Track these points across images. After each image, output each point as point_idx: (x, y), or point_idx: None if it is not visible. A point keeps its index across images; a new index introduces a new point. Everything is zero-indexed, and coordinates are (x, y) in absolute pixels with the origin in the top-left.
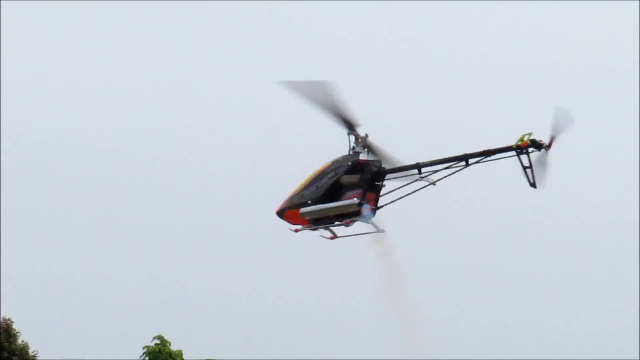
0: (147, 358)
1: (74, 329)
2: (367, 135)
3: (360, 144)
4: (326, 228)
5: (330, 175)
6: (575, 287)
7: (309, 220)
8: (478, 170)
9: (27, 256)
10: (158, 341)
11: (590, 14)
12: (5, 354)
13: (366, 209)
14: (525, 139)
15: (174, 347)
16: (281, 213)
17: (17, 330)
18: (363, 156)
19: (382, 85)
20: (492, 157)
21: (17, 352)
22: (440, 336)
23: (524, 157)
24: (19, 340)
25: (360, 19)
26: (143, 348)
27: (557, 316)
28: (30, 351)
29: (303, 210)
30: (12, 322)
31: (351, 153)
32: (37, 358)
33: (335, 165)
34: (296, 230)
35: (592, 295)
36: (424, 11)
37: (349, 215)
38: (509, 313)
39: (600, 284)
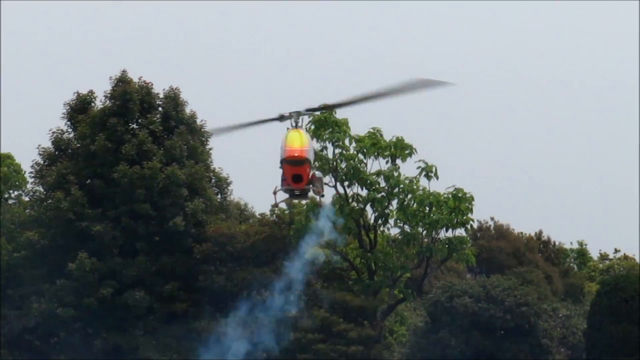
0: (312, 126)
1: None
2: None
3: None
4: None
5: None
6: None
7: None
8: None
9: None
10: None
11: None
12: (173, 123)
13: None
14: None
15: (339, 116)
16: None
17: (184, 100)
18: None
19: None
20: None
21: (185, 121)
22: None
23: None
24: (187, 110)
25: None
26: (309, 117)
27: None
28: (197, 121)
29: None
30: (179, 91)
31: None
32: (205, 128)
33: None
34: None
35: None
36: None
37: None
38: None
39: None
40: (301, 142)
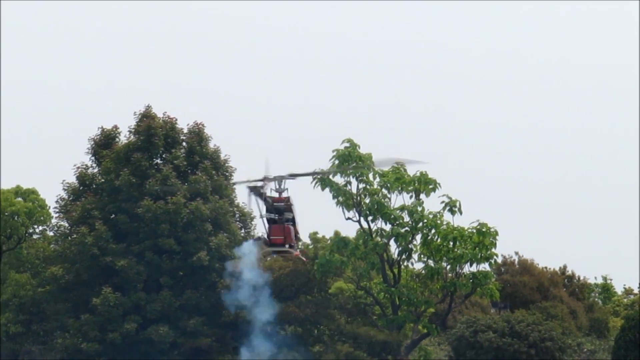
0: (336, 161)
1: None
2: None
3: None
4: None
5: None
6: None
7: None
8: None
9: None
10: (348, 144)
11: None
12: (197, 158)
13: None
14: None
15: (362, 151)
16: None
17: (208, 135)
18: None
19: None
20: None
21: (209, 156)
22: None
23: None
24: (211, 145)
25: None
26: (333, 151)
27: None
28: (221, 156)
29: None
30: (204, 126)
31: None
32: (228, 163)
33: None
34: None
35: None
36: None
37: None
38: None
39: None
40: None
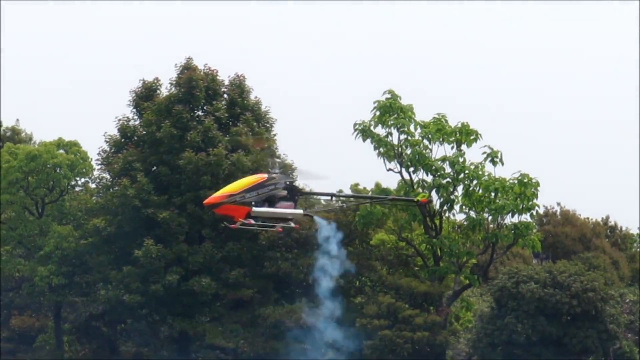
0: (377, 112)
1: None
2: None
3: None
4: (266, 226)
5: (270, 187)
6: None
7: (253, 215)
8: None
9: None
10: (389, 95)
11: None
12: (238, 110)
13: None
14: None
15: (404, 102)
16: (214, 205)
17: (249, 87)
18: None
19: None
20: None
21: (250, 108)
22: None
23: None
24: (252, 97)
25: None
26: (374, 102)
27: None
28: (262, 107)
29: (256, 209)
30: (244, 78)
31: (281, 174)
32: (269, 114)
33: (273, 180)
34: (233, 227)
35: None
36: None
37: (287, 219)
38: None
39: None
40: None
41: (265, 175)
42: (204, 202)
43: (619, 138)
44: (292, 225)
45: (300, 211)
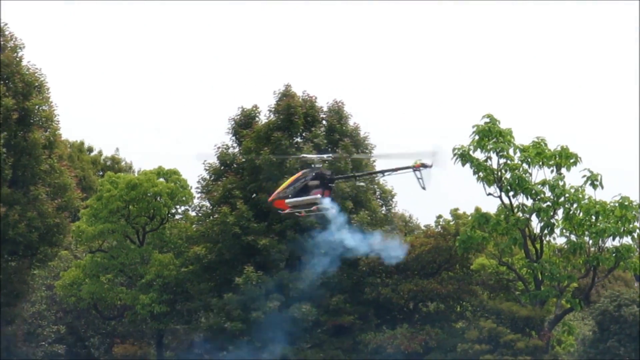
0: (476, 137)
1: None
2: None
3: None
4: (300, 211)
5: (301, 180)
6: None
7: (290, 206)
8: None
9: None
10: (488, 120)
11: None
12: (337, 136)
13: (323, 200)
14: (417, 162)
15: (503, 126)
16: (272, 201)
17: (348, 113)
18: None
19: None
20: (398, 171)
21: (349, 134)
22: None
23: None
24: (351, 122)
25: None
26: (473, 127)
27: None
28: (361, 133)
29: (288, 200)
30: (343, 104)
31: (314, 167)
32: (368, 140)
33: (304, 174)
34: (284, 213)
35: None
36: None
37: (315, 204)
38: None
39: None
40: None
41: (302, 171)
42: (268, 199)
43: None
44: (315, 210)
45: (318, 196)
